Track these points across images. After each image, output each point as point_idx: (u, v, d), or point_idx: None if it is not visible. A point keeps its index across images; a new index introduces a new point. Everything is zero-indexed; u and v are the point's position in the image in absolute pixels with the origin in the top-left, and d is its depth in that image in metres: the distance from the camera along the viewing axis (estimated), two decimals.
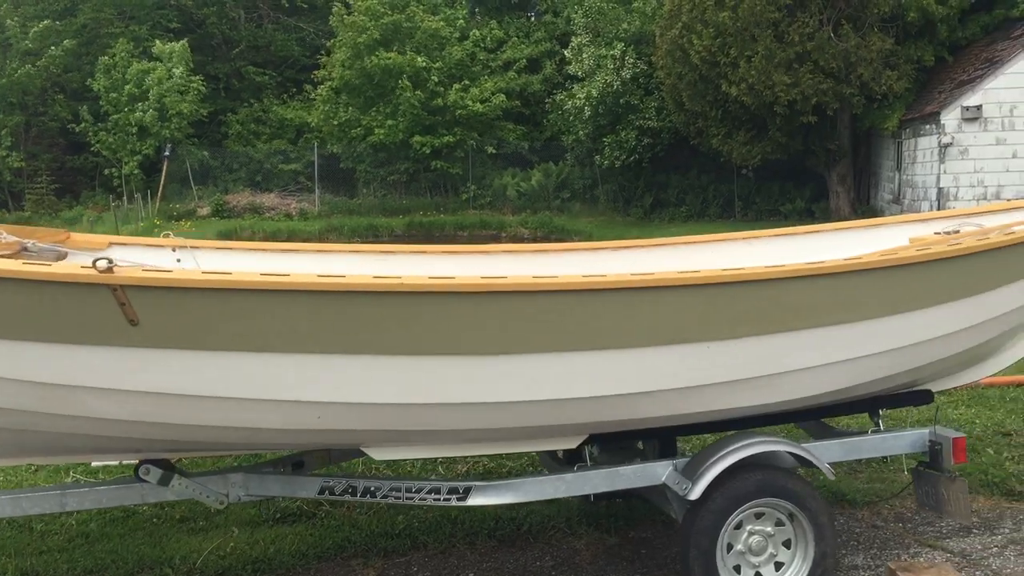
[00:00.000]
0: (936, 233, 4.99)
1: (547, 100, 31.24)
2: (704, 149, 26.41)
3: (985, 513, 5.31)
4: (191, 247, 5.15)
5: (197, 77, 29.91)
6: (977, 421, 6.61)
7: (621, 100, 27.83)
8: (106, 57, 29.88)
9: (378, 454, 3.95)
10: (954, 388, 6.71)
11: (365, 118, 30.26)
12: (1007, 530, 5.05)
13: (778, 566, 4.13)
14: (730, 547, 4.05)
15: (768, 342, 3.79)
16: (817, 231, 5.66)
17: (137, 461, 3.98)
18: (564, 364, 3.63)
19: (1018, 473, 5.75)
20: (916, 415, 6.11)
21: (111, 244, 5.02)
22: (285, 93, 34.88)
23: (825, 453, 4.40)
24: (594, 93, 27.68)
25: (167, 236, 5.19)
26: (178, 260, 5.08)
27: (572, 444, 4.12)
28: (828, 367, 3.98)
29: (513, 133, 32.18)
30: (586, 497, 5.32)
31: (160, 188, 29.37)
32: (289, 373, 3.37)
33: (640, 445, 4.65)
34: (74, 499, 4.09)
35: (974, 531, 5.05)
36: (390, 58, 28.77)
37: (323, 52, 31.88)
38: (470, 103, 29.96)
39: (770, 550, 4.11)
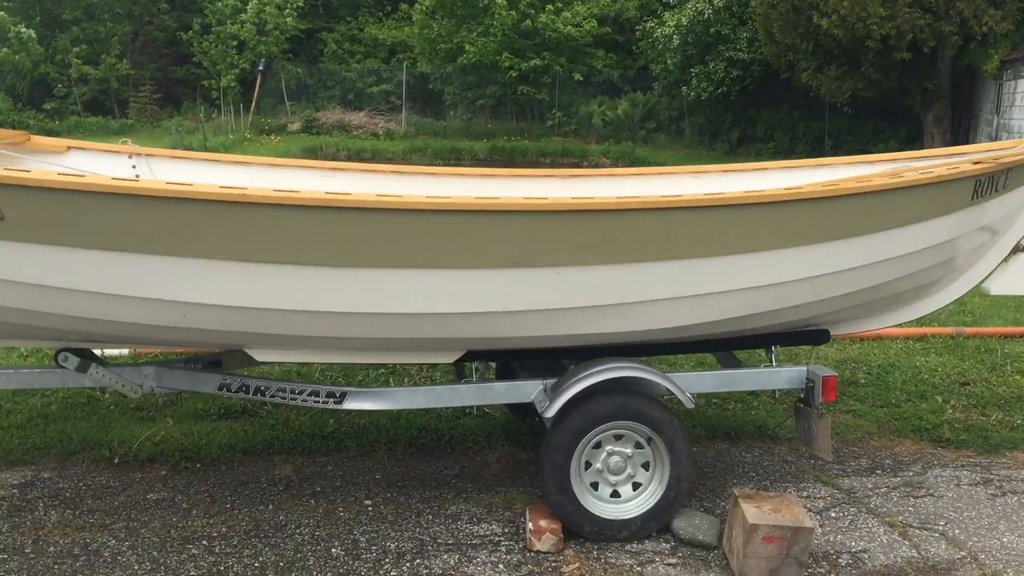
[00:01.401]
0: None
1: (638, 27, 30.62)
2: (795, 83, 25.56)
3: (903, 457, 5.32)
4: (146, 155, 5.45)
5: None
6: (939, 370, 6.52)
7: (711, 29, 27.09)
8: None
9: (259, 355, 4.22)
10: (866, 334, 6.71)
11: (457, 36, 30.31)
12: (911, 474, 5.06)
13: (636, 486, 4.27)
14: (588, 465, 4.22)
15: (619, 271, 3.86)
16: (764, 168, 5.61)
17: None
18: (425, 280, 3.79)
19: (954, 420, 5.70)
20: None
21: (69, 148, 5.36)
22: (380, 12, 35.13)
23: (698, 383, 4.50)
24: (684, 21, 27.03)
25: (124, 143, 5.47)
26: (134, 167, 5.41)
27: (449, 359, 4.31)
28: (685, 299, 4.03)
29: (603, 60, 31.75)
30: (516, 415, 5.59)
31: (253, 102, 30.16)
32: (148, 273, 3.63)
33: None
34: (3, 379, 4.50)
35: (877, 471, 5.09)
36: None
37: None
38: (561, 26, 29.62)
39: (629, 471, 4.26)
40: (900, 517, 4.53)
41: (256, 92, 30.39)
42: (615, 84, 32.01)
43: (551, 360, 4.57)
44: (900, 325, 7.29)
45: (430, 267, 3.74)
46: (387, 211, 3.62)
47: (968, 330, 7.32)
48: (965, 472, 5.09)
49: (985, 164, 4.33)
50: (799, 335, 4.79)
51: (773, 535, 3.88)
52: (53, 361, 4.38)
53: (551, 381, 4.28)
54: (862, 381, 6.38)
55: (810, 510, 4.55)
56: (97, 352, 4.87)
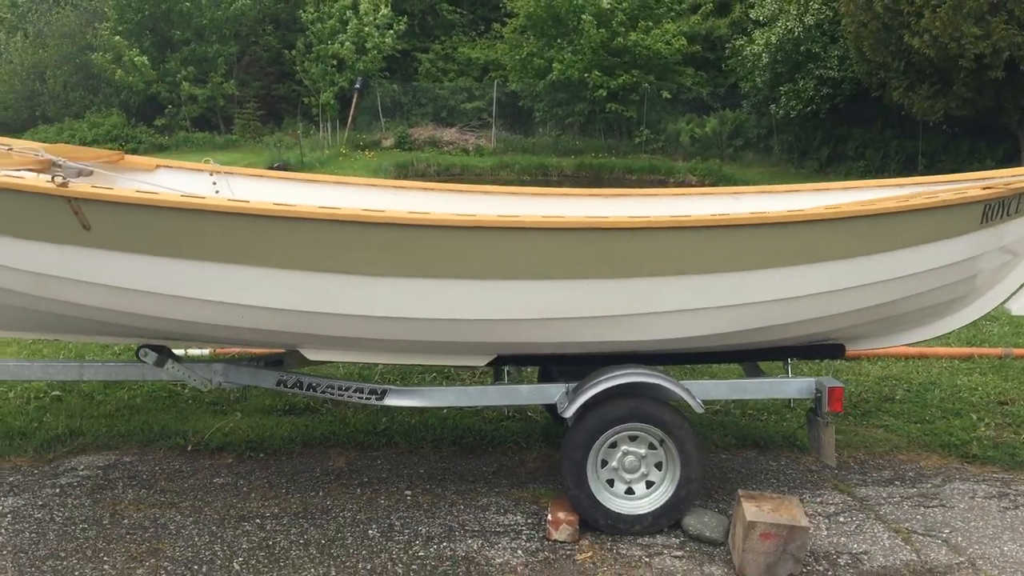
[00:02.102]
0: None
1: (727, 45, 30.63)
2: (886, 102, 25.20)
3: (926, 470, 5.48)
4: (226, 173, 6.02)
5: (402, 17, 31.44)
6: (980, 389, 6.62)
7: (801, 48, 26.93)
8: None
9: (310, 355, 4.70)
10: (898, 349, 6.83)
11: (546, 54, 30.82)
12: (929, 486, 5.23)
13: (649, 484, 4.60)
14: (604, 463, 4.56)
15: (630, 284, 4.21)
16: (797, 190, 5.85)
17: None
18: (454, 289, 4.21)
19: (984, 438, 5.82)
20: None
21: (158, 167, 5.96)
22: (474, 31, 35.94)
23: (712, 391, 4.80)
24: (773, 39, 26.95)
25: (207, 162, 6.05)
26: (214, 184, 5.99)
27: (480, 362, 4.71)
28: (697, 311, 4.34)
29: (691, 78, 31.83)
30: (556, 420, 5.96)
31: (350, 118, 31.24)
32: (210, 278, 4.14)
33: None
34: (90, 371, 5.11)
35: (896, 483, 5.27)
36: None
37: None
38: (651, 43, 29.86)
39: (642, 470, 4.58)
40: (907, 524, 4.73)
41: (352, 109, 31.46)
42: (704, 102, 32.04)
43: (582, 366, 4.92)
44: (947, 344, 7.47)
45: (459, 277, 4.15)
46: (416, 227, 4.06)
47: (1017, 351, 7.36)
48: (983, 486, 5.24)
49: (994, 189, 4.53)
50: (814, 349, 5.03)
51: (770, 532, 4.16)
52: (135, 356, 4.96)
53: (572, 384, 4.65)
54: (899, 398, 6.53)
55: (813, 513, 4.81)
56: (180, 352, 5.46)
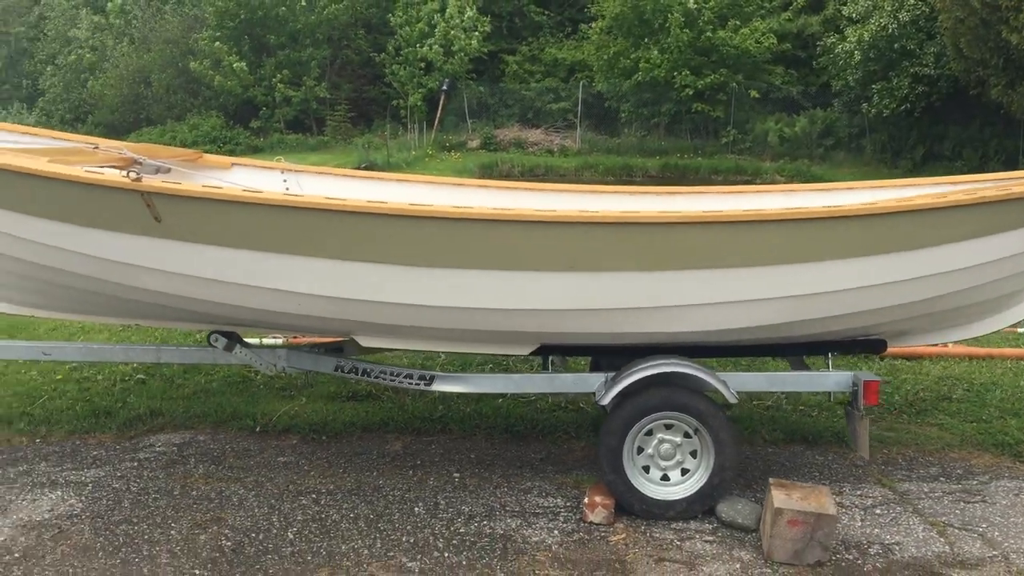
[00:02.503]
0: None
1: (819, 43, 30.11)
2: (985, 100, 24.46)
3: (975, 468, 5.48)
4: (295, 171, 6.38)
5: (485, 18, 31.84)
6: None
7: (895, 45, 26.32)
8: None
9: (364, 341, 4.99)
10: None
11: (633, 54, 30.81)
12: (974, 483, 5.23)
13: (684, 471, 4.74)
14: (640, 450, 4.72)
15: (662, 277, 4.36)
16: (852, 188, 5.91)
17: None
18: (495, 279, 4.43)
19: None
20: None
21: (233, 165, 6.35)
22: (560, 32, 36.13)
23: (749, 382, 4.91)
24: (866, 36, 26.42)
25: (279, 161, 6.42)
26: (284, 181, 6.34)
27: (524, 351, 4.92)
28: (734, 304, 4.46)
29: (781, 77, 31.38)
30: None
31: (436, 120, 31.78)
32: (269, 267, 4.45)
33: None
34: (166, 354, 5.51)
35: (941, 479, 5.28)
36: None
37: None
38: (739, 42, 29.58)
39: (678, 457, 4.72)
40: (944, 518, 4.76)
41: (439, 111, 31.99)
42: (794, 101, 31.56)
43: (625, 357, 5.07)
44: (1018, 345, 7.36)
45: (499, 268, 4.37)
46: (457, 220, 4.29)
47: None
48: None
49: None
50: (856, 344, 5.09)
51: (797, 519, 4.26)
52: (207, 342, 5.33)
53: (612, 374, 4.82)
54: (957, 397, 6.49)
55: (850, 504, 4.88)
56: (255, 341, 5.82)
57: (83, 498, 4.93)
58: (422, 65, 32.01)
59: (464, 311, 4.56)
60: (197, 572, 4.17)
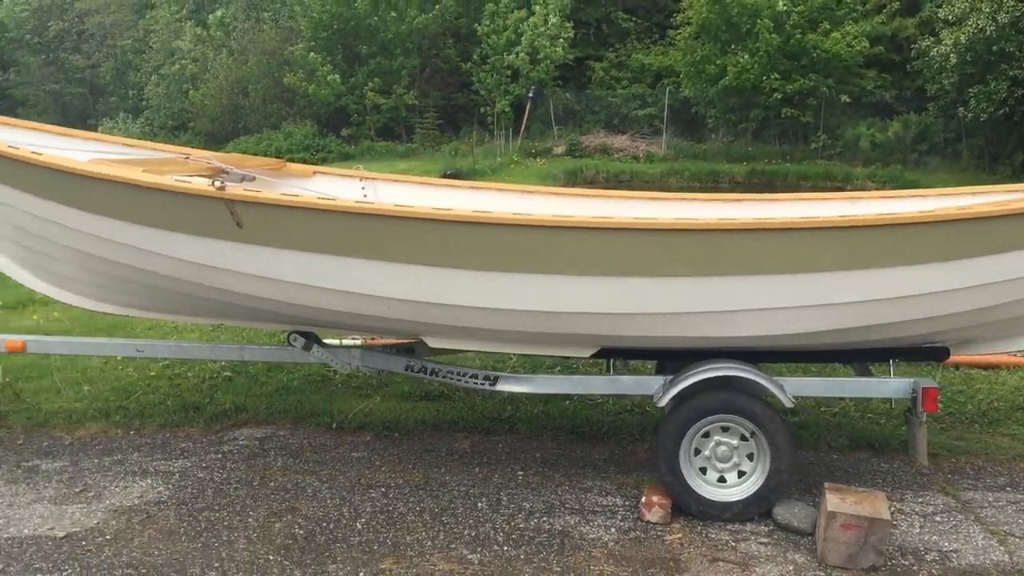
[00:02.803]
0: None
1: (913, 46, 29.37)
2: None
3: None
4: (373, 179, 6.65)
5: (568, 24, 32.00)
6: None
7: (994, 47, 25.52)
8: (491, 4, 32.97)
9: (431, 342, 5.21)
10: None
11: (721, 59, 30.56)
12: None
13: (741, 473, 4.82)
14: (697, 452, 4.81)
15: (720, 282, 4.45)
16: (922, 195, 5.89)
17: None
18: (556, 284, 4.59)
19: None
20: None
21: (315, 173, 6.66)
22: (648, 39, 36.05)
23: (806, 387, 4.95)
24: (962, 39, 25.69)
25: (358, 169, 6.70)
26: (363, 189, 6.62)
27: (585, 354, 5.07)
28: (791, 310, 4.52)
29: (874, 81, 30.71)
30: None
31: (522, 126, 32.07)
32: (345, 271, 4.70)
33: None
34: (249, 352, 5.83)
35: (1007, 489, 5.24)
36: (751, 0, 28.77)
37: None
38: (830, 46, 29.08)
39: (734, 459, 4.80)
40: (1005, 527, 4.72)
41: (525, 117, 32.27)
42: (887, 105, 30.85)
43: (686, 361, 5.16)
44: None
45: (557, 272, 4.52)
46: (518, 226, 4.47)
47: None
48: None
49: None
50: (919, 351, 5.09)
51: (851, 523, 4.30)
52: (287, 341, 5.62)
53: (671, 377, 4.93)
54: None
55: (910, 511, 4.89)
56: (334, 342, 6.11)
57: (170, 486, 5.27)
58: (509, 73, 32.36)
59: (524, 314, 4.73)
60: (271, 557, 4.43)
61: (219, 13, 38.16)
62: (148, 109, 39.89)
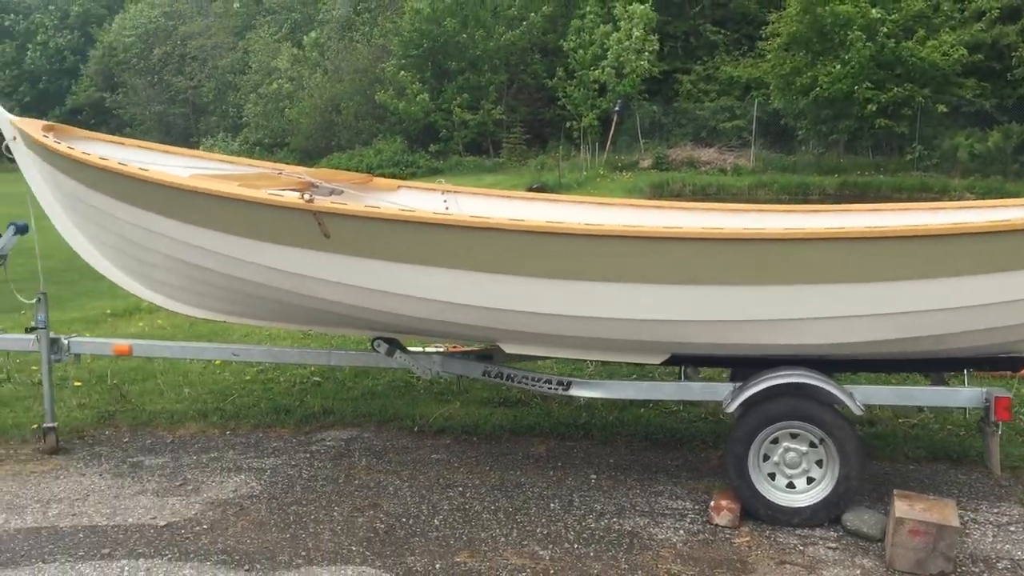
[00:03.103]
0: None
1: (1014, 53, 28.53)
2: None
3: None
4: (455, 192, 6.91)
5: (653, 37, 32.02)
6: None
7: None
8: (577, 19, 33.26)
9: (507, 348, 5.41)
10: None
11: (812, 69, 30.18)
12: None
13: (810, 480, 4.88)
14: (767, 457, 4.90)
15: (787, 291, 4.54)
16: (1003, 205, 5.85)
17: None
18: (627, 292, 4.75)
19: None
20: None
21: (399, 187, 6.95)
22: (737, 50, 35.80)
23: (876, 396, 4.98)
24: None
25: (440, 183, 6.97)
26: (445, 202, 6.89)
27: (656, 360, 5.20)
28: (855, 318, 4.59)
29: (972, 90, 29.87)
30: None
31: (608, 140, 32.19)
32: (425, 279, 4.94)
33: None
34: (335, 357, 6.14)
35: None
36: (843, 9, 28.34)
37: (775, 8, 32.17)
38: (926, 54, 28.44)
39: (803, 466, 4.87)
40: None
41: (612, 131, 32.39)
42: (987, 114, 29.97)
43: (757, 369, 5.24)
44: None
45: (627, 281, 4.67)
46: (587, 236, 4.64)
47: None
48: None
49: None
50: (993, 361, 5.07)
51: (919, 529, 4.34)
52: (371, 347, 5.90)
53: (739, 384, 5.03)
54: None
55: (984, 521, 4.88)
56: (417, 349, 6.38)
57: (262, 482, 5.59)
58: (595, 87, 32.55)
59: (595, 320, 4.90)
60: (354, 548, 4.69)
61: (313, 34, 39.31)
62: (247, 128, 41.35)
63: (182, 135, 44.82)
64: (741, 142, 32.73)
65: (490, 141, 35.52)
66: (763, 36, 33.02)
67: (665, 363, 5.23)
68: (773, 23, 31.61)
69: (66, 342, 6.28)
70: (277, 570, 4.48)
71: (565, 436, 6.38)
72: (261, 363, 7.67)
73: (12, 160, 6.38)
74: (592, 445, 6.24)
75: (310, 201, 4.88)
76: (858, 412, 4.79)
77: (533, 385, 5.48)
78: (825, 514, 4.84)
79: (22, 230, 6.35)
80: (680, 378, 5.47)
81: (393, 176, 32.61)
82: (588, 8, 33.26)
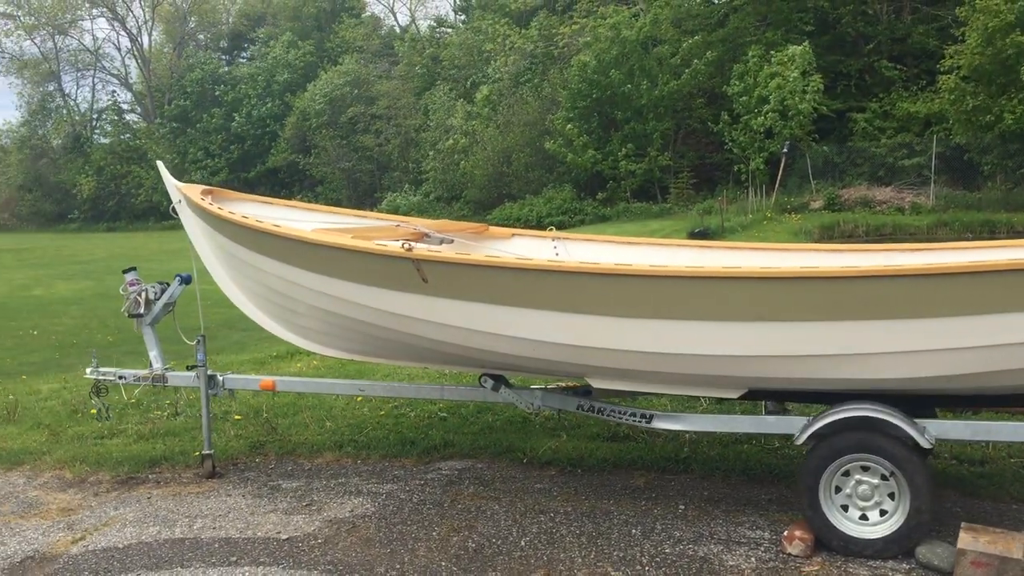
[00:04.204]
0: None
1: None
2: None
3: None
4: (563, 239, 7.38)
5: (816, 76, 31.54)
6: None
7: None
8: (739, 64, 33.22)
9: (595, 383, 5.78)
10: None
11: (996, 105, 28.83)
12: None
13: (883, 512, 4.96)
14: (838, 489, 5.02)
15: (852, 326, 4.69)
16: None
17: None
18: (715, 330, 5.01)
19: None
20: None
21: (513, 235, 7.49)
22: (915, 86, 34.61)
23: (950, 431, 4.99)
24: None
25: (551, 230, 7.46)
26: (555, 248, 7.37)
27: (734, 395, 5.43)
28: (925, 353, 4.67)
29: None
30: None
31: (777, 182, 31.78)
32: (514, 319, 5.40)
33: None
34: (448, 392, 6.68)
35: None
36: None
37: (952, 41, 30.97)
38: None
39: (875, 498, 4.95)
40: None
41: (780, 174, 31.97)
42: None
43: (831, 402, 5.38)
44: None
45: (702, 319, 4.95)
46: (666, 278, 4.97)
47: None
48: None
49: None
50: None
51: (980, 561, 4.38)
52: (478, 382, 6.41)
53: (811, 417, 5.19)
54: None
55: None
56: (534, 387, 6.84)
57: (376, 504, 6.17)
58: (761, 130, 32.30)
59: (674, 357, 5.20)
60: (443, 563, 5.16)
61: (485, 90, 41.00)
62: (426, 182, 43.44)
63: (367, 191, 47.62)
64: (920, 179, 31.55)
65: (657, 187, 35.82)
66: (941, 70, 31.81)
67: (743, 397, 5.45)
68: (951, 57, 30.41)
69: (221, 378, 7.13)
70: None
71: (666, 470, 6.63)
72: (395, 399, 8.34)
73: (178, 219, 7.38)
74: (691, 479, 6.46)
75: (409, 249, 5.47)
76: (926, 446, 4.85)
77: (620, 418, 5.81)
78: (897, 546, 4.89)
79: (186, 281, 7.29)
80: (762, 412, 5.65)
81: (561, 224, 33.71)
82: (751, 51, 33.17)
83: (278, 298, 6.77)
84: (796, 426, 5.26)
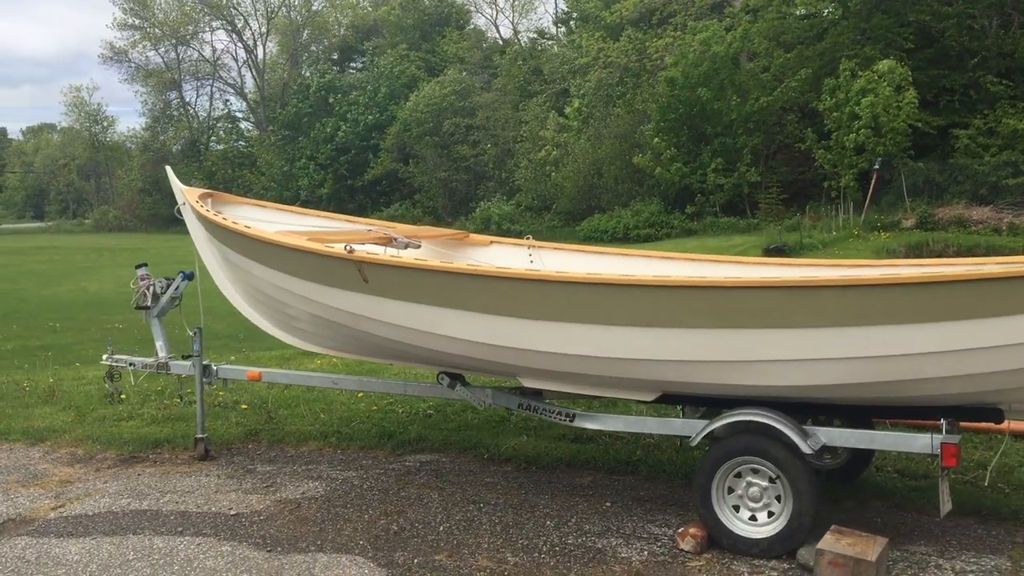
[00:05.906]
0: None
1: None
2: None
3: None
4: (539, 247, 7.70)
5: (909, 91, 30.70)
6: None
7: None
8: (831, 79, 32.59)
9: (525, 383, 6.08)
10: None
11: None
12: None
13: (771, 514, 5.11)
14: (730, 490, 5.19)
15: (748, 335, 4.85)
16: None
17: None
18: (629, 335, 5.25)
19: None
20: None
21: (492, 243, 7.85)
22: (1022, 103, 33.23)
23: (837, 438, 5.09)
24: None
25: (527, 238, 7.78)
26: (530, 256, 7.69)
27: (648, 397, 5.65)
28: (815, 361, 4.79)
29: None
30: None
31: (867, 199, 31.03)
32: (443, 319, 5.75)
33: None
34: (411, 388, 7.07)
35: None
36: None
37: None
38: None
39: (765, 500, 5.11)
40: None
41: (870, 190, 31.20)
42: None
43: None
44: None
45: (617, 324, 5.17)
46: (589, 284, 5.23)
47: None
48: None
49: None
50: (970, 411, 5.03)
51: (837, 561, 4.50)
52: (437, 380, 6.78)
53: (707, 421, 5.37)
54: None
55: (964, 569, 4.85)
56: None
57: (327, 488, 6.60)
58: (852, 147, 31.60)
59: (593, 359, 5.44)
60: (360, 542, 5.55)
61: (576, 103, 41.34)
62: (519, 192, 44.00)
63: (463, 199, 48.49)
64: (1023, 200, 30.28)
65: (747, 202, 35.39)
66: None
67: (657, 401, 5.67)
68: None
69: (215, 368, 7.71)
70: (290, 553, 5.44)
71: (614, 470, 6.85)
72: (391, 396, 8.79)
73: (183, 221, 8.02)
74: (635, 480, 6.67)
75: (351, 251, 5.90)
76: (807, 451, 4.96)
77: (549, 416, 6.08)
78: (781, 547, 5.03)
79: (189, 277, 7.90)
80: (681, 415, 5.85)
81: (648, 236, 33.70)
82: (843, 66, 32.50)
83: (258, 295, 7.28)
84: (697, 428, 5.45)
